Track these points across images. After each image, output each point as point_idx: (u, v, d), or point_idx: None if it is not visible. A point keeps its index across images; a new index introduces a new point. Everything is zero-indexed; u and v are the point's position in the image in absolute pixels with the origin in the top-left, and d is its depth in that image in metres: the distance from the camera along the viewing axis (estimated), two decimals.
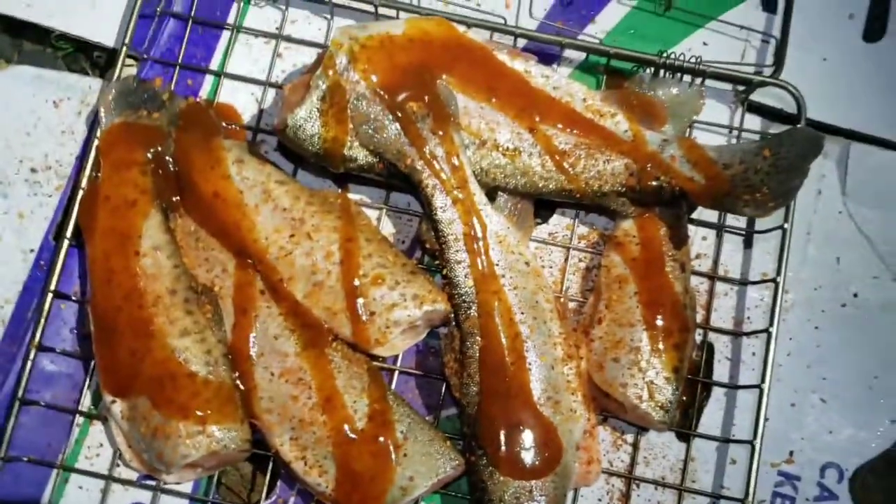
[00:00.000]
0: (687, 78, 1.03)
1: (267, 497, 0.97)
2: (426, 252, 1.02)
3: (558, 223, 1.05)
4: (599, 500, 0.98)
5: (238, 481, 1.01)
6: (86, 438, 0.98)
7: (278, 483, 0.98)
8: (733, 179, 0.94)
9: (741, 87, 1.06)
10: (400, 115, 0.96)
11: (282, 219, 0.97)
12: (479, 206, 0.96)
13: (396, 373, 1.00)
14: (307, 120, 0.95)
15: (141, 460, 0.95)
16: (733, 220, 1.05)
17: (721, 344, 1.02)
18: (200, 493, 0.97)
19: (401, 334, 0.96)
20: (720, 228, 1.04)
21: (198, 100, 1.06)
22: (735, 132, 1.07)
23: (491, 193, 0.99)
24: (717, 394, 1.01)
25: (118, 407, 0.93)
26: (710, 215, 1.04)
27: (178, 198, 0.99)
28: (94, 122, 1.03)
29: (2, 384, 0.99)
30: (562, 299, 1.00)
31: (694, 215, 1.04)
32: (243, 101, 1.07)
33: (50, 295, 0.98)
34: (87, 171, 0.99)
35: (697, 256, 1.04)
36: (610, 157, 0.97)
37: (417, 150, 0.95)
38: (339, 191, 1.04)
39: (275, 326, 0.95)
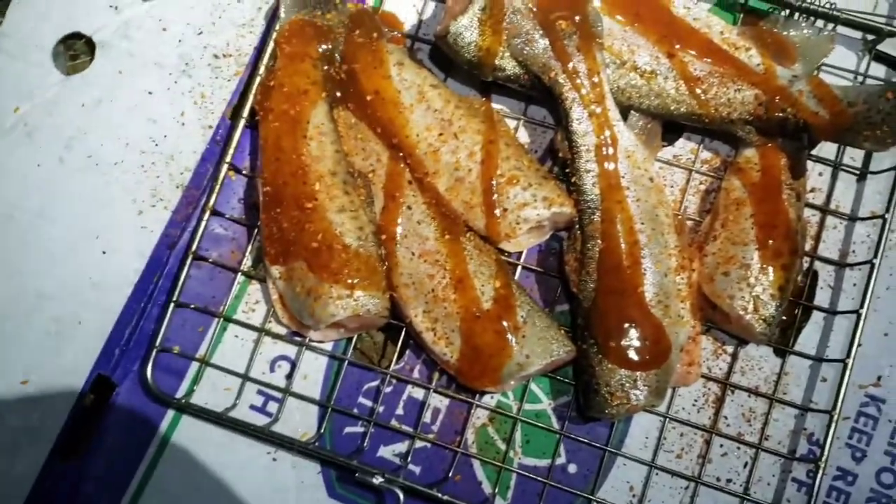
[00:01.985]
0: (819, 23, 1.10)
1: (396, 363, 1.10)
2: (557, 162, 1.11)
3: (683, 147, 1.13)
4: (696, 400, 1.07)
5: (371, 347, 1.13)
6: (244, 295, 1.11)
7: (407, 352, 1.10)
8: (856, 116, 1.01)
9: (870, 36, 1.12)
10: (549, 31, 1.05)
11: (433, 118, 1.08)
12: (612, 121, 1.05)
13: (519, 267, 1.10)
14: (467, 28, 1.06)
15: (291, 317, 1.08)
16: (849, 160, 1.11)
17: (825, 272, 1.09)
18: (339, 353, 1.10)
19: (527, 232, 1.06)
20: (836, 166, 1.11)
21: (365, 6, 1.16)
22: (860, 78, 1.12)
23: (624, 112, 1.07)
24: (817, 318, 1.08)
25: (277, 269, 1.06)
26: (828, 153, 1.11)
27: (342, 93, 1.11)
28: (272, 17, 1.15)
29: (178, 240, 1.13)
30: (679, 216, 1.09)
31: (813, 151, 1.10)
32: (405, 11, 1.17)
33: (225, 166, 1.11)
34: (265, 61, 1.11)
35: (812, 190, 1.11)
36: (741, 86, 1.04)
37: (562, 65, 1.04)
38: (484, 99, 1.14)
39: (418, 213, 1.06)
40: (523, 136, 1.14)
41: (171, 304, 1.08)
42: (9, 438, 1.07)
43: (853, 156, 1.12)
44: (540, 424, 1.07)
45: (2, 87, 1.16)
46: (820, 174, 1.11)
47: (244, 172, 1.13)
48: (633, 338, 1.00)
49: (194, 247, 1.09)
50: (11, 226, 1.12)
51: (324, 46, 1.10)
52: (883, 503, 1.04)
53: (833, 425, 1.02)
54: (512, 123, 1.13)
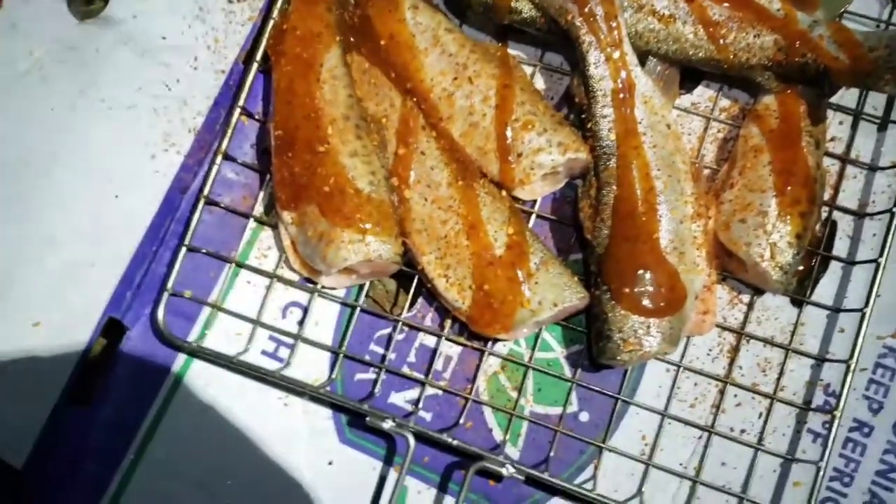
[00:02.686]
0: None
1: (408, 310, 1.09)
2: (572, 108, 1.10)
3: (702, 94, 1.11)
4: (710, 350, 1.06)
5: (384, 295, 1.13)
6: (256, 241, 1.11)
7: (419, 300, 1.09)
8: (877, 61, 0.99)
9: None
10: None
11: (447, 63, 1.06)
12: (630, 66, 1.04)
13: (533, 215, 1.09)
14: None
15: (303, 263, 1.07)
16: (870, 109, 1.09)
17: (844, 223, 1.08)
18: (351, 300, 1.09)
19: (542, 179, 1.05)
20: (857, 115, 1.09)
21: None
22: (882, 25, 1.10)
23: (642, 57, 1.05)
24: (835, 268, 1.07)
25: (288, 214, 1.05)
26: (849, 101, 1.09)
27: (355, 37, 1.09)
28: None
29: (189, 184, 1.12)
30: (697, 164, 1.07)
31: (833, 100, 1.08)
32: None
33: (238, 110, 1.10)
34: (279, 4, 1.10)
35: (832, 139, 1.09)
36: (760, 31, 1.02)
37: (579, 8, 1.03)
38: (500, 45, 1.12)
39: (432, 159, 1.05)
40: (539, 83, 1.13)
41: (183, 248, 1.08)
42: (18, 382, 1.07)
43: (875, 105, 1.09)
44: (552, 372, 1.06)
45: (16, 32, 1.15)
46: (840, 123, 1.09)
47: (257, 117, 1.13)
48: (646, 284, 0.99)
49: (206, 191, 1.09)
50: (25, 170, 1.11)
51: None
52: None
53: (850, 375, 1.00)
54: (528, 70, 1.12)
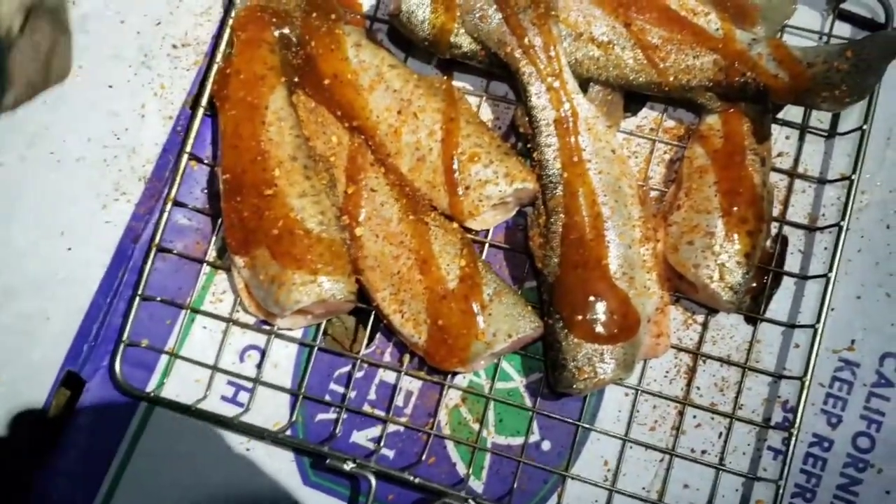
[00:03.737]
0: None
1: (367, 347, 1.09)
2: (519, 137, 1.10)
3: (647, 116, 1.12)
4: (667, 372, 1.06)
5: (343, 332, 1.13)
6: (211, 285, 1.11)
7: (377, 335, 1.09)
8: (815, 77, 0.99)
9: None
10: (503, 5, 1.04)
11: (392, 98, 1.06)
12: (571, 94, 1.04)
13: (487, 245, 1.09)
14: (419, 6, 1.05)
15: (258, 306, 1.07)
16: (816, 122, 1.10)
17: (795, 237, 1.08)
18: (309, 339, 1.09)
19: (492, 209, 1.06)
20: (803, 129, 1.09)
21: None
22: (824, 38, 1.11)
23: (584, 84, 1.06)
24: (787, 283, 1.07)
25: (240, 258, 1.05)
26: (795, 115, 1.09)
27: (300, 77, 1.09)
28: (229, 4, 1.14)
29: (141, 233, 1.12)
30: (644, 187, 1.07)
31: (779, 115, 1.09)
32: None
33: (185, 156, 1.10)
34: (222, 48, 1.10)
35: (779, 154, 1.09)
36: (700, 52, 1.02)
37: (517, 40, 1.03)
38: (444, 77, 1.13)
39: (381, 195, 1.05)
40: (486, 113, 1.13)
41: (137, 298, 1.08)
42: None
43: (821, 118, 1.10)
44: (512, 402, 1.06)
45: None
46: (787, 137, 1.10)
47: (206, 162, 1.13)
48: (598, 311, 0.99)
49: (157, 239, 1.09)
50: None
51: (280, 31, 1.09)
52: (860, 468, 1.03)
53: (805, 391, 1.00)
54: (474, 101, 1.12)
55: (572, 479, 1.04)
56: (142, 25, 1.17)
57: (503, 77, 1.12)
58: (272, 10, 1.09)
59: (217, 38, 1.15)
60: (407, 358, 1.07)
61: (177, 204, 1.10)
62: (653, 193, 1.08)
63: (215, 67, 1.10)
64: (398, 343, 1.08)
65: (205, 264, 1.10)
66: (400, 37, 1.13)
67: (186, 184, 1.12)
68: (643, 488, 1.04)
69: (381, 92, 1.07)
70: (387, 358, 1.09)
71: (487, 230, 1.09)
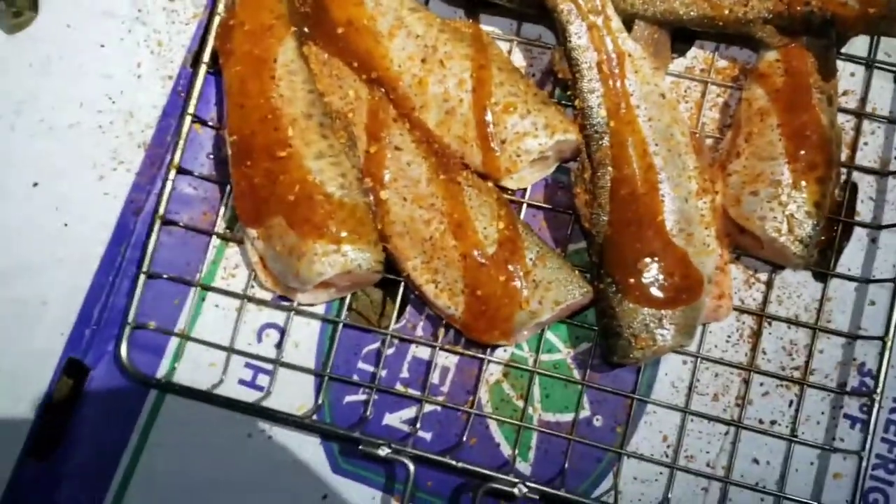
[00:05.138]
0: None
1: (396, 321, 1.00)
2: (557, 84, 1.00)
3: (696, 56, 1.02)
4: (729, 336, 0.97)
5: (368, 306, 1.03)
6: (222, 259, 1.01)
7: (408, 308, 1.00)
8: (890, 2, 0.89)
9: None
10: None
11: (414, 46, 0.96)
12: (615, 33, 0.94)
13: (525, 206, 1.00)
14: None
15: (275, 280, 0.98)
16: (883, 56, 1.00)
17: (866, 184, 0.99)
18: (332, 315, 1.00)
19: (530, 165, 0.96)
20: (870, 64, 0.99)
21: None
22: None
23: (628, 22, 0.96)
24: (859, 234, 0.98)
25: (254, 229, 0.96)
26: (860, 49, 0.99)
27: (311, 25, 0.99)
28: None
29: (143, 204, 1.03)
30: (698, 134, 0.98)
31: (843, 49, 0.99)
32: None
33: (188, 118, 1.00)
34: None
35: (844, 93, 0.99)
36: None
37: None
38: (471, 21, 1.02)
39: (407, 153, 0.96)
40: (518, 59, 1.03)
41: (142, 276, 0.99)
42: None
43: (888, 51, 1.00)
44: (559, 376, 0.97)
45: None
46: (852, 74, 1.00)
47: (211, 125, 1.03)
48: (654, 272, 0.90)
49: (162, 210, 0.99)
50: None
51: None
52: None
53: (887, 352, 0.91)
54: (505, 46, 1.02)
55: (628, 456, 0.96)
56: None
57: (536, 18, 1.02)
58: None
59: None
60: (442, 331, 0.98)
61: (181, 171, 1.01)
62: (707, 141, 0.98)
63: (217, 20, 1.00)
64: (431, 316, 0.99)
65: (214, 237, 1.01)
66: None
67: (190, 149, 1.02)
68: (707, 464, 0.95)
69: (402, 39, 0.97)
70: (419, 332, 0.99)
71: (525, 189, 1.00)
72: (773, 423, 0.95)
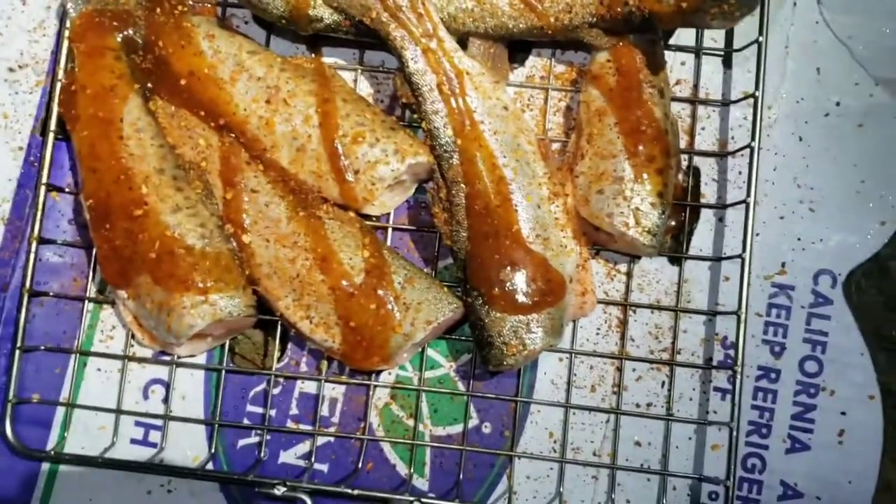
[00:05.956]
0: None
1: (279, 360, 1.01)
2: (405, 108, 1.02)
3: (535, 64, 1.04)
4: (598, 329, 1.01)
5: (251, 349, 1.04)
6: (98, 322, 1.01)
7: (289, 346, 1.01)
8: None
9: None
10: None
11: (257, 88, 0.97)
12: (450, 53, 0.96)
13: (390, 230, 1.01)
14: None
15: (152, 337, 0.98)
16: (710, 42, 1.04)
17: (707, 167, 1.03)
18: (215, 363, 1.01)
19: (388, 191, 0.98)
20: (698, 52, 1.03)
21: None
22: None
23: (462, 40, 0.98)
24: (707, 215, 1.02)
25: (122, 290, 0.96)
26: (687, 39, 1.03)
27: (154, 81, 0.99)
28: (63, 14, 1.03)
29: (9, 279, 1.02)
30: (545, 140, 1.01)
31: (671, 41, 1.03)
32: None
33: (43, 188, 1.00)
34: (63, 64, 1.00)
35: (678, 83, 1.03)
36: None
37: (381, 2, 0.95)
38: (313, 56, 1.04)
39: (264, 195, 0.96)
40: (365, 87, 1.05)
41: (17, 351, 0.98)
42: None
43: (714, 37, 1.04)
44: (445, 390, 1.00)
45: None
46: (682, 63, 1.04)
47: (68, 190, 1.02)
48: (516, 280, 0.92)
49: (28, 284, 0.99)
50: None
51: (123, 34, 0.99)
52: (812, 393, 0.99)
53: (742, 325, 0.95)
54: (350, 75, 1.04)
55: (519, 457, 0.99)
56: None
57: (377, 46, 1.03)
58: (110, 13, 0.99)
59: (56, 53, 1.03)
60: (325, 364, 0.99)
61: (43, 241, 1.00)
62: (554, 146, 1.02)
63: (59, 86, 0.99)
64: (313, 350, 1.01)
65: (87, 301, 1.01)
66: (262, 19, 1.03)
67: (51, 217, 1.02)
68: (594, 453, 0.99)
69: (245, 82, 0.97)
70: (303, 368, 1.01)
71: (388, 213, 1.01)
72: (649, 405, 0.99)
